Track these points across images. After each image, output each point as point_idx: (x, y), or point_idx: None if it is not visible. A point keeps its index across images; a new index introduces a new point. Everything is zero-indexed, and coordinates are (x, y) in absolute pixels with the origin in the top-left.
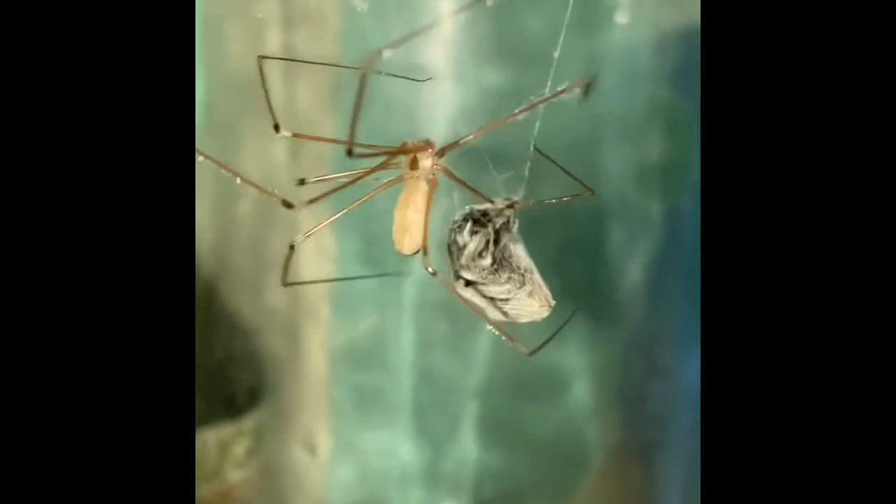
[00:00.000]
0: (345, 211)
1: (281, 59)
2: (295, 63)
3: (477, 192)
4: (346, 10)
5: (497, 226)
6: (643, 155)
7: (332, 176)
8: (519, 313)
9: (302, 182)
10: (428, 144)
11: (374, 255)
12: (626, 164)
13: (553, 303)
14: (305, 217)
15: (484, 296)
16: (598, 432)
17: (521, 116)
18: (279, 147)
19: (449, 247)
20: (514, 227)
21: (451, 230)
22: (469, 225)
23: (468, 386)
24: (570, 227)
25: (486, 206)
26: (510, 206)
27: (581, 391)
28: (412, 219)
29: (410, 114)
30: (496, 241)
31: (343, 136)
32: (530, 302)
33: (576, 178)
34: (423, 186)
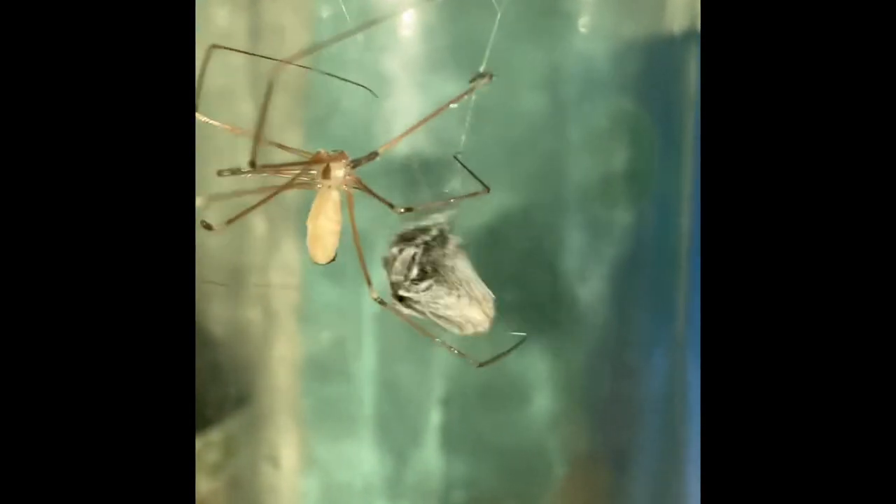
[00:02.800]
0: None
1: (231, 49)
2: (262, 77)
3: (385, 202)
4: (314, 22)
5: (426, 240)
6: (606, 164)
7: (247, 171)
8: (460, 323)
9: (220, 173)
10: (341, 155)
11: (336, 266)
12: (588, 173)
13: (493, 315)
14: (267, 226)
15: (424, 312)
16: (565, 439)
17: (432, 120)
18: (244, 161)
19: (384, 266)
20: (451, 243)
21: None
22: (398, 241)
23: (430, 396)
24: (530, 237)
25: (420, 222)
26: (443, 222)
27: (546, 399)
28: (325, 228)
29: (367, 125)
30: (425, 255)
31: (307, 148)
32: (471, 312)
33: (478, 179)
34: (335, 196)
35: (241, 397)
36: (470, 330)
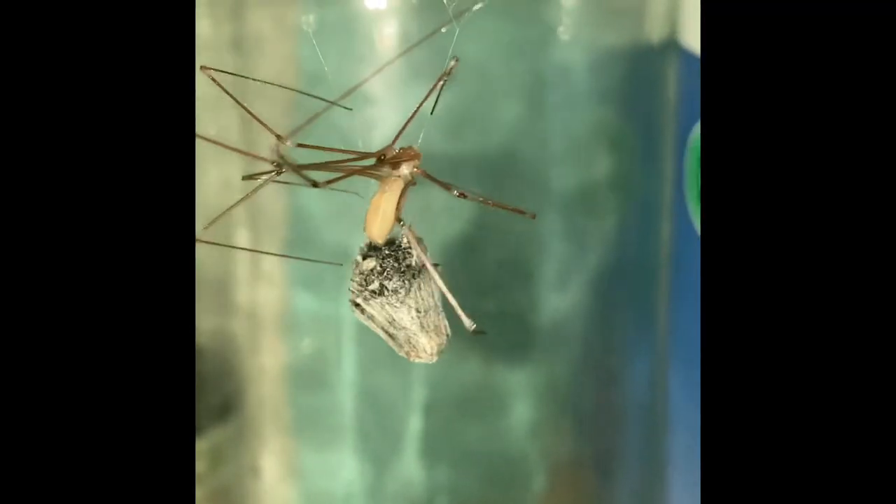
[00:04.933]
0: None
1: (221, 71)
2: (248, 87)
3: (444, 186)
4: (299, 33)
5: (388, 253)
6: (586, 172)
7: (320, 147)
8: (406, 349)
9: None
10: (410, 149)
11: (317, 276)
12: (568, 181)
13: (440, 352)
14: (251, 237)
15: (378, 325)
16: (546, 446)
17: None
18: (237, 170)
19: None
20: (414, 260)
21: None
22: (365, 249)
23: (411, 403)
24: (508, 246)
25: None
26: (406, 236)
27: (527, 407)
28: (385, 210)
29: (346, 135)
30: (384, 269)
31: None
32: (421, 342)
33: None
34: (401, 182)
35: (226, 407)
36: (414, 358)
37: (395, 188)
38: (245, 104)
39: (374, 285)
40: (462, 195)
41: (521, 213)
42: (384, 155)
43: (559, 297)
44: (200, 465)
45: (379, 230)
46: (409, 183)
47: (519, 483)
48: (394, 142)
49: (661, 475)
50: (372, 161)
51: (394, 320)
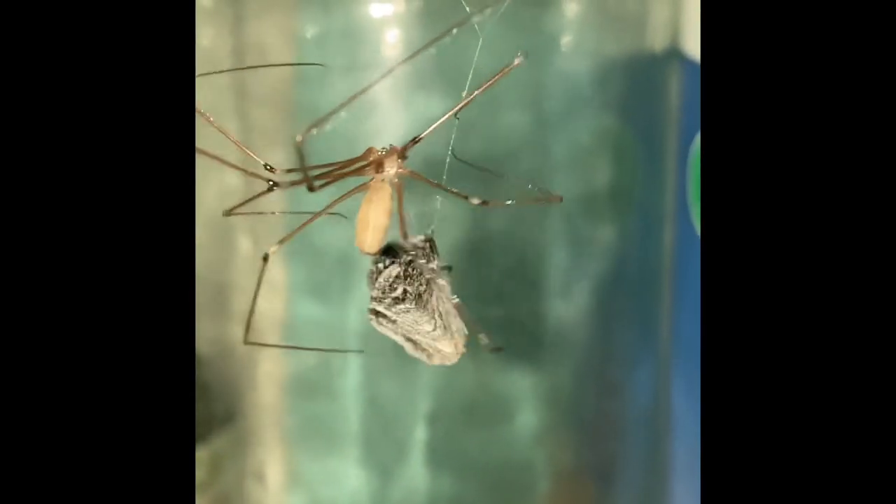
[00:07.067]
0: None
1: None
2: (246, 94)
3: (449, 191)
4: (297, 41)
5: (410, 258)
6: (589, 181)
7: (310, 167)
8: (429, 353)
9: (271, 169)
10: (392, 150)
11: (320, 283)
12: (571, 189)
13: (464, 351)
14: (252, 245)
15: (399, 331)
16: (550, 454)
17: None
18: (235, 177)
19: (367, 278)
20: (435, 264)
21: (372, 262)
22: (384, 256)
23: (416, 412)
24: (513, 253)
25: (408, 240)
26: (428, 241)
27: (530, 415)
28: (376, 220)
29: (351, 143)
30: (408, 275)
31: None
32: (443, 345)
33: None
34: (388, 188)
35: (227, 415)
36: (437, 361)
37: (380, 196)
38: (244, 117)
39: (398, 291)
40: (483, 203)
41: (549, 200)
42: (368, 157)
43: (562, 305)
44: (203, 473)
45: (370, 243)
46: (397, 188)
47: (523, 491)
48: (411, 143)
49: (663, 483)
50: (362, 164)
51: (416, 325)
